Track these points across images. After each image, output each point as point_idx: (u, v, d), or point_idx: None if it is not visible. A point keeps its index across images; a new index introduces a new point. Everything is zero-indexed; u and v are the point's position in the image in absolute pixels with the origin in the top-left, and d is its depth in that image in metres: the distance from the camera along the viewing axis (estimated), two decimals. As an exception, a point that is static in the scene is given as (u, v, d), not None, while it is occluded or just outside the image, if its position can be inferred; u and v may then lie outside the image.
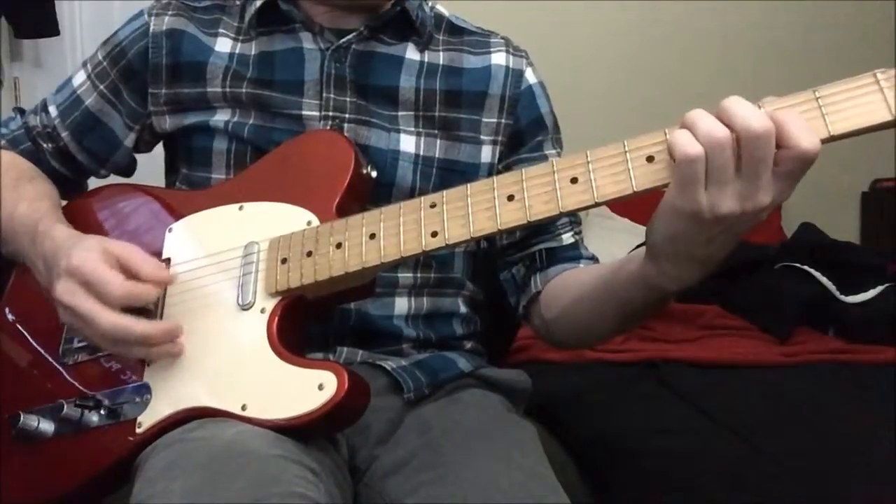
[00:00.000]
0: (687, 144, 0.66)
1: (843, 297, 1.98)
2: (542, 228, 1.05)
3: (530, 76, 1.10)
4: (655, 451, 1.25)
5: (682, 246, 0.73)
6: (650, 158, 0.70)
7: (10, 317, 1.02)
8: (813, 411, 1.42)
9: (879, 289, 1.99)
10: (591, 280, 0.94)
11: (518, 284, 1.08)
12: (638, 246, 0.83)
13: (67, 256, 0.84)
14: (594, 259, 1.08)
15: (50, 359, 0.95)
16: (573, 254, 1.06)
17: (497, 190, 0.75)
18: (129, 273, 0.84)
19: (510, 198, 0.74)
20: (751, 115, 0.65)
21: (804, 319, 1.96)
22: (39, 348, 0.96)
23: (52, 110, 1.09)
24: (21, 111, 1.14)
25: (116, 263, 0.84)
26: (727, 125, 0.66)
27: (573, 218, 1.08)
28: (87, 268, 0.82)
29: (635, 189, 0.70)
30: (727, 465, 1.19)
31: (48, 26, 2.19)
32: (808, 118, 0.66)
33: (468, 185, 0.77)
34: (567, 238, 1.06)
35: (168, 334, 0.83)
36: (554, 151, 1.11)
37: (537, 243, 1.06)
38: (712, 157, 0.66)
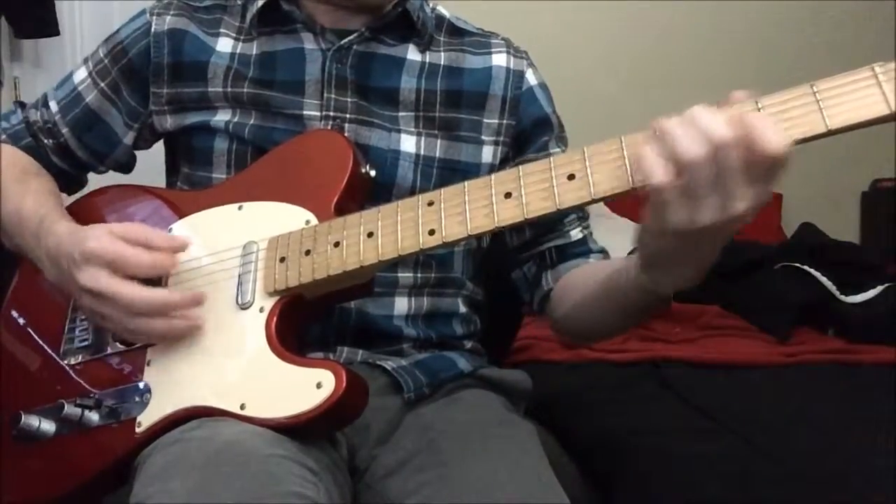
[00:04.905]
0: (656, 169, 0.65)
1: (843, 297, 1.98)
2: (550, 226, 1.06)
3: (531, 77, 1.10)
4: (656, 451, 1.25)
5: (672, 257, 0.73)
6: None
7: (13, 316, 1.02)
8: (813, 411, 1.42)
9: (879, 289, 1.99)
10: (593, 282, 0.94)
11: (530, 282, 1.09)
12: (633, 251, 0.84)
13: (81, 244, 0.84)
14: (604, 252, 1.09)
15: (51, 359, 0.95)
16: (582, 249, 1.07)
17: (494, 187, 0.75)
18: (143, 246, 0.84)
19: (507, 195, 0.74)
20: (714, 126, 0.63)
21: (804, 319, 1.95)
22: (41, 348, 0.96)
23: (53, 105, 1.09)
24: (22, 105, 1.14)
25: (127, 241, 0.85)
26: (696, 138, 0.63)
27: (581, 213, 1.08)
28: (106, 249, 0.83)
29: (633, 185, 0.70)
30: (727, 465, 1.19)
31: (48, 26, 2.19)
32: (806, 112, 0.65)
33: (465, 182, 0.77)
34: (575, 234, 1.07)
35: (192, 300, 0.84)
36: (559, 150, 1.10)
37: (546, 241, 1.07)
38: (689, 177, 0.64)
